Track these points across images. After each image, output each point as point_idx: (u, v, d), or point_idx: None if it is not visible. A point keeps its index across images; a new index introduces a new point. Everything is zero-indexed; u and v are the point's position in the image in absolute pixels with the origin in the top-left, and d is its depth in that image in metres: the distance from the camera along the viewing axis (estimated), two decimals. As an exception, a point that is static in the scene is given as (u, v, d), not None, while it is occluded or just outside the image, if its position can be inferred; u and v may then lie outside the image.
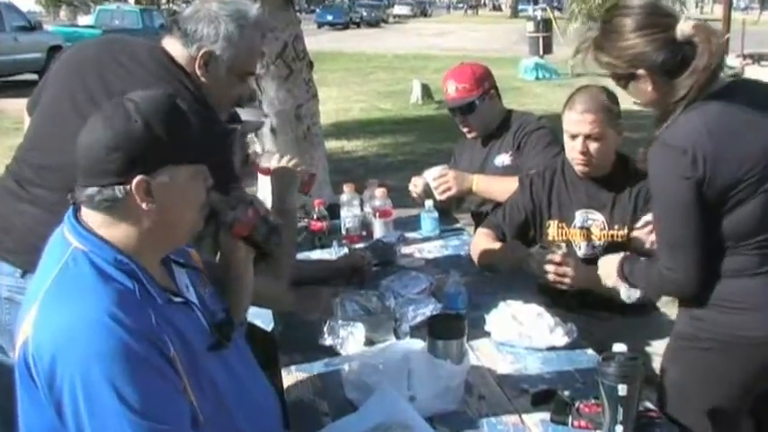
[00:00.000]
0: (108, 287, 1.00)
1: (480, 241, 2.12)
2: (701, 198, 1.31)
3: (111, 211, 1.05)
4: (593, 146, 1.91)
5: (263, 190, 4.33)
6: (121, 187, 1.03)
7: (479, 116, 2.48)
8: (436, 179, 2.40)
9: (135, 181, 1.03)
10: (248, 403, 1.15)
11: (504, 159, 2.46)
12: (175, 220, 1.09)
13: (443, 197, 2.39)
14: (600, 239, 1.96)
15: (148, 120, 1.03)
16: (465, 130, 2.56)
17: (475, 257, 2.08)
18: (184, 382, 1.02)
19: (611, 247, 1.87)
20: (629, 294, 1.58)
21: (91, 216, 1.06)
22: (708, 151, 1.30)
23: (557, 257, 1.84)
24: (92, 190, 1.04)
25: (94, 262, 1.02)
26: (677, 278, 1.37)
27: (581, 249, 1.96)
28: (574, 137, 1.93)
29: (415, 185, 2.49)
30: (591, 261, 1.87)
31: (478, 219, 2.45)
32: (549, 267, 1.84)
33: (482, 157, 2.53)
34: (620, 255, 1.61)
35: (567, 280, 1.84)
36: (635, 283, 1.54)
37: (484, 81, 2.48)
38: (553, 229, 2.05)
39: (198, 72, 1.47)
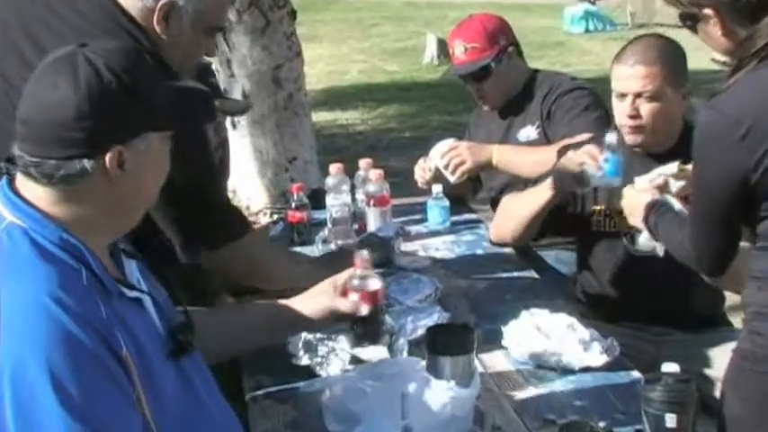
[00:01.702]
0: (50, 266, 1.03)
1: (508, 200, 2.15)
2: (746, 182, 1.30)
3: (68, 186, 1.07)
4: (645, 108, 1.88)
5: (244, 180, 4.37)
6: (92, 161, 1.06)
7: (497, 82, 2.48)
8: (446, 154, 2.40)
9: (110, 152, 1.06)
10: (208, 422, 1.19)
11: (529, 133, 2.47)
12: (141, 195, 1.14)
13: (457, 175, 2.39)
14: None
15: (122, 78, 1.06)
16: (480, 100, 2.57)
17: (505, 225, 2.10)
18: (138, 390, 1.04)
19: None
20: (648, 244, 1.71)
21: (33, 190, 1.08)
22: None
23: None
24: (50, 163, 1.05)
25: (35, 239, 1.05)
26: (694, 254, 1.45)
27: (637, 243, 1.96)
28: (622, 96, 1.90)
29: (423, 170, 2.50)
30: (651, 257, 1.88)
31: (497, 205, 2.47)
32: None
33: (502, 132, 2.54)
34: (649, 197, 1.68)
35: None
36: (657, 238, 1.63)
37: (499, 37, 2.47)
38: (599, 217, 2.05)
39: (157, 28, 1.48)
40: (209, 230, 1.63)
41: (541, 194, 2.03)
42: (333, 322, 1.55)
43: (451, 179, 2.41)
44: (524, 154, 2.36)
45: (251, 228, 1.78)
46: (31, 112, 1.06)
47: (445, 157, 2.39)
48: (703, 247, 1.43)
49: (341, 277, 1.55)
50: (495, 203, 2.58)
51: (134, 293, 1.14)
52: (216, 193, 1.71)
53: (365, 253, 1.55)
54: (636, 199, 1.74)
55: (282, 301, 1.55)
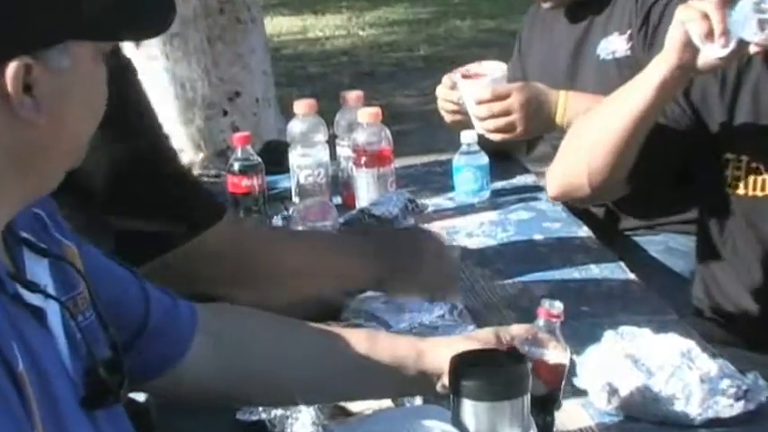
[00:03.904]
0: None
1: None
2: None
3: None
4: None
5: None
6: None
7: None
8: (483, 103, 2.40)
9: (12, 66, 1.07)
10: None
11: (615, 46, 2.48)
12: (60, 140, 1.16)
13: (497, 139, 2.44)
14: None
15: None
16: None
17: (576, 156, 2.08)
18: (39, 429, 1.06)
19: None
20: None
21: None
22: None
23: None
24: None
25: None
26: None
27: None
28: None
29: (451, 91, 2.50)
30: None
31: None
32: None
33: (573, 44, 2.57)
34: None
35: None
36: None
37: None
38: (736, 172, 2.04)
39: None
40: (175, 216, 1.74)
41: (647, 79, 1.93)
42: None
43: (480, 131, 2.44)
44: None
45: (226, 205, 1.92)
46: None
47: (483, 108, 2.40)
48: None
49: (509, 329, 1.59)
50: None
51: (36, 299, 1.16)
52: (170, 159, 1.86)
53: (559, 304, 1.57)
54: None
55: (412, 338, 1.60)
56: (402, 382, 1.53)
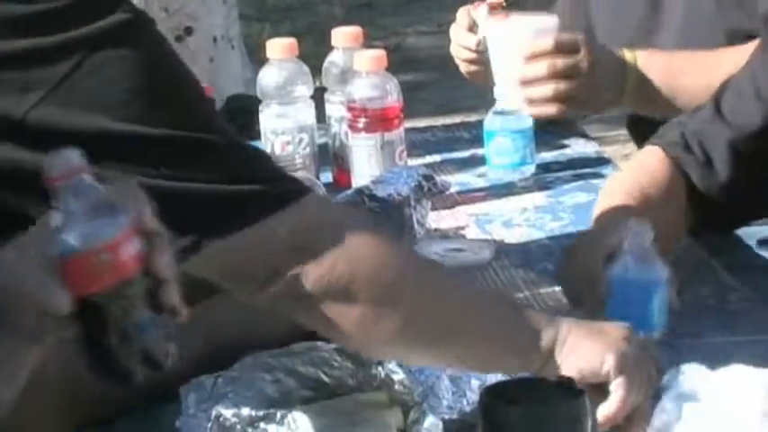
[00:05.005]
0: None
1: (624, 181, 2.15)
2: None
3: None
4: None
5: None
6: None
7: None
8: (540, 57, 2.31)
9: None
10: None
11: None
12: None
13: (543, 114, 2.41)
14: None
15: None
16: None
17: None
18: None
19: None
20: None
21: None
22: None
23: None
24: None
25: None
26: None
27: None
28: None
29: (468, 34, 2.51)
30: None
31: (645, 131, 2.47)
32: None
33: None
34: None
35: None
36: None
37: None
38: None
39: None
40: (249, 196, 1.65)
41: None
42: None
43: (518, 104, 2.41)
44: (693, 67, 2.39)
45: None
46: None
47: (540, 66, 2.29)
48: None
49: None
50: (634, 125, 2.65)
51: None
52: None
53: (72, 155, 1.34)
54: None
55: None
56: None
